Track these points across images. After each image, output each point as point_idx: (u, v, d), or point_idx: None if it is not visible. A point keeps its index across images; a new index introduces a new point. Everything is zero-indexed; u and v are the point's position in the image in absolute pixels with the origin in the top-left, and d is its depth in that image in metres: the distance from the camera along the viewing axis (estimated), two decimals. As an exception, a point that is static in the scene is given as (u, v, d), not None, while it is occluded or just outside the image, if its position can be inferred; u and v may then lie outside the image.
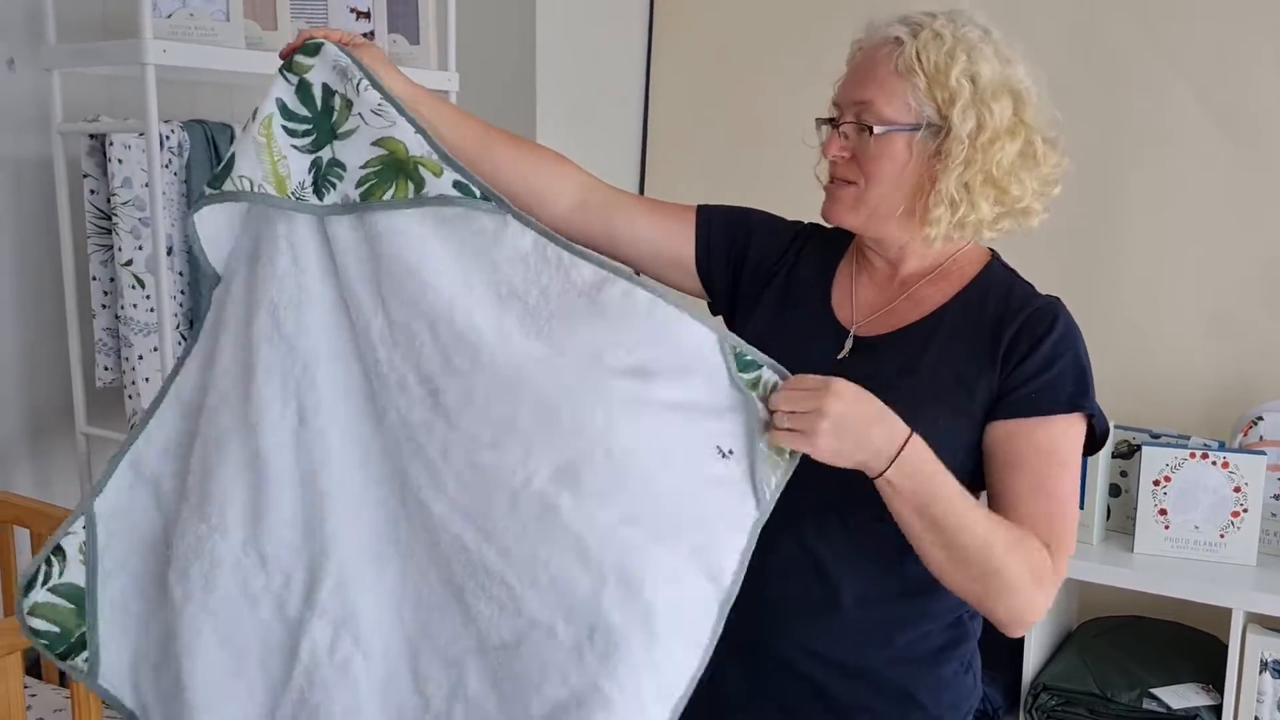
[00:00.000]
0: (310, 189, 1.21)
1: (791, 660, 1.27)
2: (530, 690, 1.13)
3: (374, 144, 1.19)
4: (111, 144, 2.02)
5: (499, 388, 1.15)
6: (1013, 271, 1.35)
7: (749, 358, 1.16)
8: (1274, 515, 2.22)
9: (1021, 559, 1.17)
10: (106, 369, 2.13)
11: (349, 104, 1.20)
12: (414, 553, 1.20)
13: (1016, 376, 1.24)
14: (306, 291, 1.20)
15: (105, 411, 2.22)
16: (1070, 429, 1.24)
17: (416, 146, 1.19)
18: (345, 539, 1.18)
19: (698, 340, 1.16)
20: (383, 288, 1.19)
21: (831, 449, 1.12)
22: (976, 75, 1.21)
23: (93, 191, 2.07)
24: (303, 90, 1.21)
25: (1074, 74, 2.50)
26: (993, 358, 1.25)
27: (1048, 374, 1.23)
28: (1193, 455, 2.18)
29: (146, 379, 2.09)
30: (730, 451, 1.15)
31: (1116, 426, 2.34)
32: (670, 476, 1.15)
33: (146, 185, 2.04)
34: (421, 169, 1.18)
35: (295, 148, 1.21)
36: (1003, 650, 2.07)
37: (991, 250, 1.37)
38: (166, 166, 2.04)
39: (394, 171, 1.19)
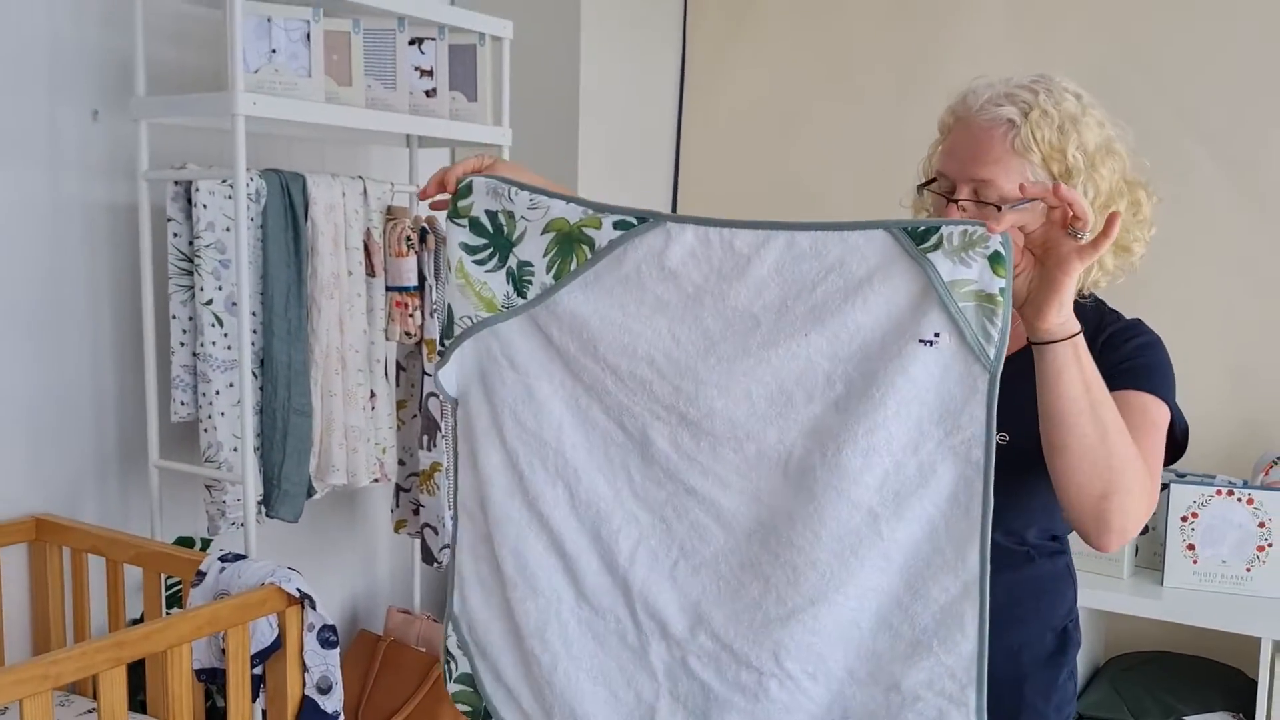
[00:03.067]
0: (515, 295, 1.38)
1: None
2: (840, 646, 1.28)
3: (543, 233, 1.36)
4: (197, 190, 2.14)
5: (724, 392, 1.28)
6: (1101, 300, 1.48)
7: (922, 228, 1.21)
8: (1296, 550, 2.32)
9: (1138, 475, 1.25)
10: (183, 404, 2.22)
11: (510, 214, 1.37)
12: (694, 549, 1.34)
13: (1113, 358, 1.35)
14: (530, 388, 1.38)
15: (179, 445, 2.32)
16: (1159, 407, 1.33)
17: (573, 214, 1.35)
18: (638, 568, 1.36)
19: (866, 247, 1.23)
20: (599, 349, 1.34)
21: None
22: (1084, 145, 1.32)
23: (176, 235, 2.18)
24: (474, 226, 1.39)
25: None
26: (1093, 351, 1.34)
27: (1139, 359, 1.35)
28: (1219, 492, 2.29)
29: (222, 414, 2.19)
30: (936, 335, 1.21)
31: (1143, 466, 2.45)
32: (894, 396, 1.22)
33: (228, 229, 2.15)
34: (586, 229, 1.34)
35: (488, 272, 1.39)
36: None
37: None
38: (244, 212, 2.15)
39: (569, 244, 1.35)
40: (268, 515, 2.27)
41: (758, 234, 1.27)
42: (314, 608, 1.90)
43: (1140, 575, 2.41)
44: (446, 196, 1.40)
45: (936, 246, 1.20)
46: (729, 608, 1.31)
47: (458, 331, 1.40)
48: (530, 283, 1.37)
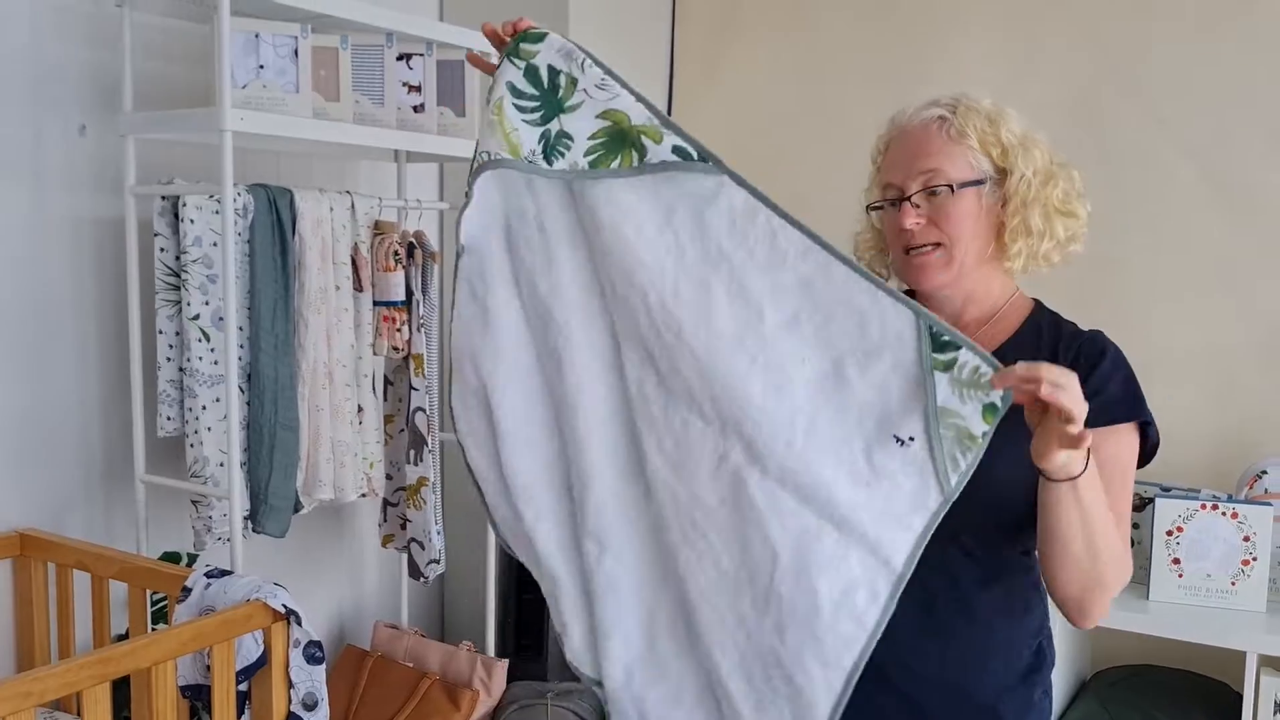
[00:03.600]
0: (540, 157, 1.32)
1: (892, 676, 1.37)
2: (721, 636, 1.30)
3: (599, 116, 1.31)
4: (184, 205, 2.14)
5: (698, 365, 1.27)
6: (1056, 313, 1.49)
7: (946, 338, 1.22)
8: (1280, 564, 2.33)
9: (1123, 555, 1.34)
10: (169, 419, 2.22)
11: (574, 81, 1.31)
12: (651, 490, 1.36)
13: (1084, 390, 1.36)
14: (552, 258, 1.34)
15: (165, 460, 2.31)
16: (1128, 439, 1.38)
17: (639, 115, 1.29)
18: (599, 473, 1.37)
19: (891, 319, 1.24)
20: (602, 258, 1.31)
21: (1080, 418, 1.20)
22: (1013, 130, 1.41)
23: (162, 250, 2.18)
24: (530, 73, 1.32)
25: (1073, 147, 2.63)
26: None
27: (1105, 393, 1.36)
28: (1204, 507, 2.30)
29: (209, 428, 2.18)
30: (910, 439, 1.23)
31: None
32: (846, 471, 1.24)
33: (215, 245, 2.15)
34: (644, 137, 1.29)
35: (525, 122, 1.32)
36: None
37: (1035, 299, 1.51)
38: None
39: (619, 142, 1.29)
40: (254, 530, 2.26)
41: (803, 240, 1.26)
42: (300, 624, 1.90)
43: (1126, 589, 2.41)
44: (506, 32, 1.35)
45: (947, 368, 1.21)
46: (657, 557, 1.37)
47: (477, 166, 1.34)
48: (561, 155, 1.31)
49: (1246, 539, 2.27)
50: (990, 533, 1.38)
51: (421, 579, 2.63)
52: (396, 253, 2.48)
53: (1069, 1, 2.75)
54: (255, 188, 2.22)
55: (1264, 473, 2.36)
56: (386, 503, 2.72)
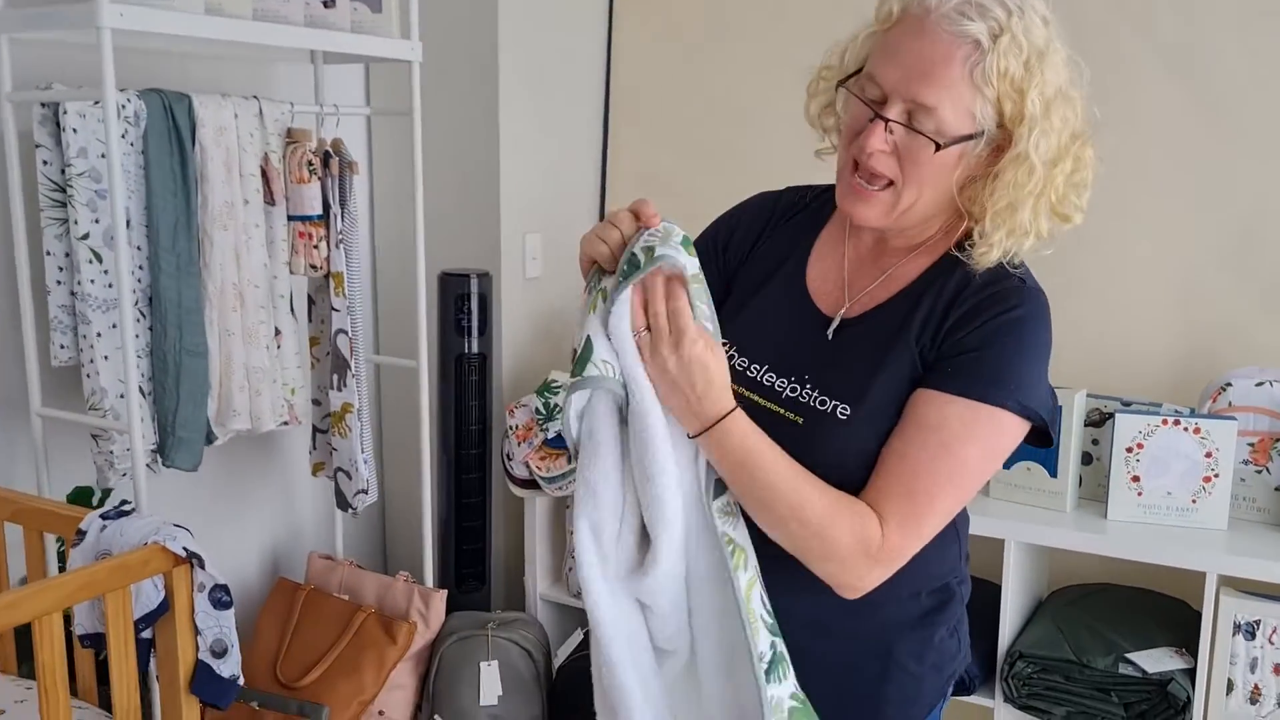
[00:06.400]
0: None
1: (784, 624, 1.25)
2: None
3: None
4: (65, 113, 1.95)
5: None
6: None
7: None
8: (1243, 480, 2.24)
9: (846, 528, 1.17)
10: (63, 347, 2.06)
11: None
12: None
13: (946, 348, 1.21)
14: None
15: (62, 391, 2.15)
16: (973, 418, 1.18)
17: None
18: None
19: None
20: None
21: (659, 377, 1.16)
22: (1044, 89, 1.16)
23: (46, 163, 1.99)
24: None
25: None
26: (938, 331, 1.22)
27: (974, 354, 1.19)
28: (1165, 422, 2.20)
29: (105, 356, 2.02)
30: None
31: (1088, 395, 2.35)
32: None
33: (103, 156, 1.97)
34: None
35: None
36: (976, 619, 2.07)
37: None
38: (123, 137, 1.97)
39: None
40: (164, 465, 2.12)
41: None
42: (203, 567, 1.76)
43: (1084, 509, 2.33)
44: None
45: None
46: None
47: (590, 372, 1.21)
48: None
49: (1209, 455, 2.17)
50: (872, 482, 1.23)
51: (350, 510, 2.51)
52: (310, 163, 2.30)
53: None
54: (148, 93, 2.03)
55: (1228, 385, 2.26)
56: (316, 429, 2.58)
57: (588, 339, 1.18)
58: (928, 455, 1.18)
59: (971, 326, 1.20)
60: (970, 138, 1.17)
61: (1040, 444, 1.27)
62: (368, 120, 2.93)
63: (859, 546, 1.16)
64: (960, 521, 1.37)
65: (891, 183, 1.21)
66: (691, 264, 1.16)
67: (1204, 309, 2.47)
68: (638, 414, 1.18)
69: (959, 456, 1.18)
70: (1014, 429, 1.22)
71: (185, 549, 1.75)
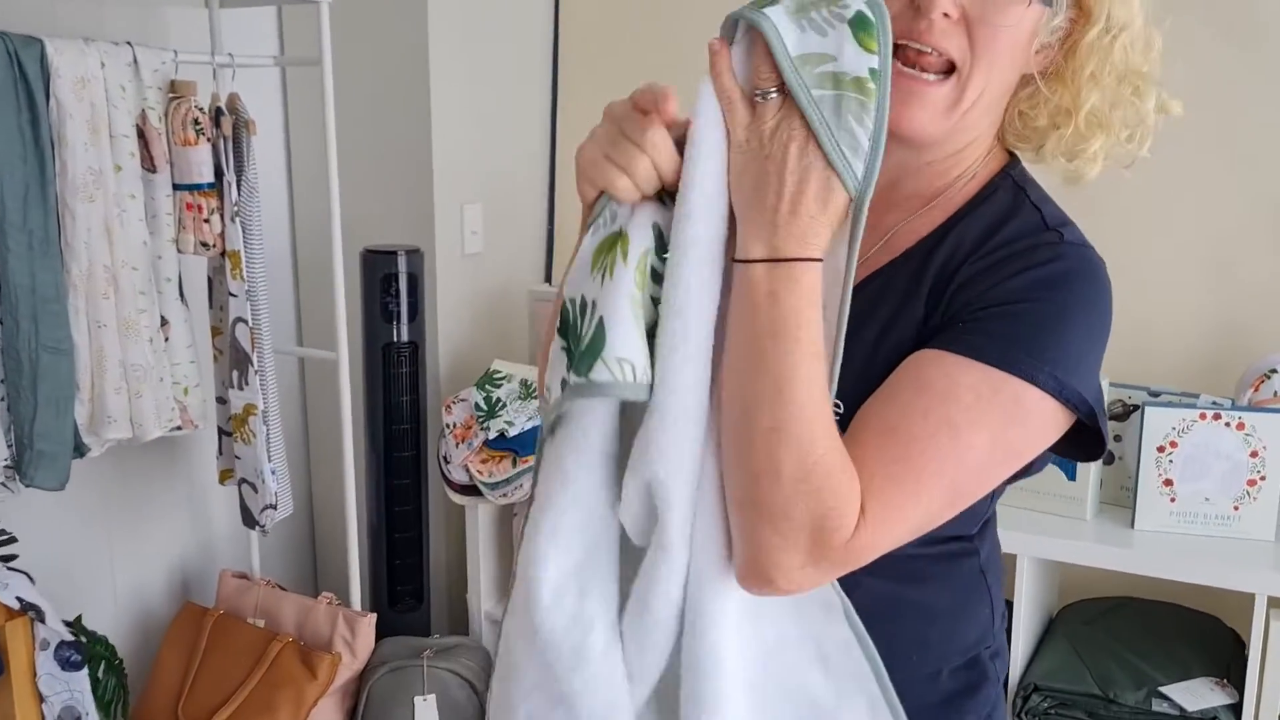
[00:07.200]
0: None
1: None
2: None
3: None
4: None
5: None
6: (1027, 186, 0.98)
7: None
8: (1291, 482, 1.94)
9: (821, 497, 0.80)
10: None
11: None
12: None
13: (963, 303, 0.90)
14: None
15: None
16: (990, 392, 0.85)
17: None
18: None
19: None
20: None
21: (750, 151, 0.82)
22: None
23: None
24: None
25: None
26: (950, 284, 0.92)
27: (999, 309, 0.88)
28: (1203, 416, 1.89)
29: (-63, 357, 1.67)
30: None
31: (1111, 385, 2.04)
32: None
33: (-76, 111, 1.61)
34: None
35: None
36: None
37: (1010, 152, 1.02)
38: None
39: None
40: (23, 483, 1.78)
41: None
42: (43, 621, 1.42)
43: (1106, 516, 2.02)
44: None
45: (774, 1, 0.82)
46: None
47: (601, 377, 0.86)
48: None
49: (1254, 454, 1.87)
50: None
51: (258, 528, 2.17)
52: (198, 122, 1.95)
53: None
54: (-14, 35, 1.68)
55: (1273, 371, 1.95)
56: (222, 432, 2.24)
57: (599, 321, 0.81)
58: (925, 431, 0.84)
59: (998, 278, 0.89)
60: (1048, 3, 0.90)
61: (1082, 453, 0.94)
62: (282, 74, 2.57)
63: (815, 525, 0.80)
64: (990, 568, 1.05)
65: (952, 70, 0.90)
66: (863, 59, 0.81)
67: (1239, 283, 2.16)
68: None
69: (966, 440, 0.84)
70: (1046, 415, 0.88)
71: (19, 599, 1.40)
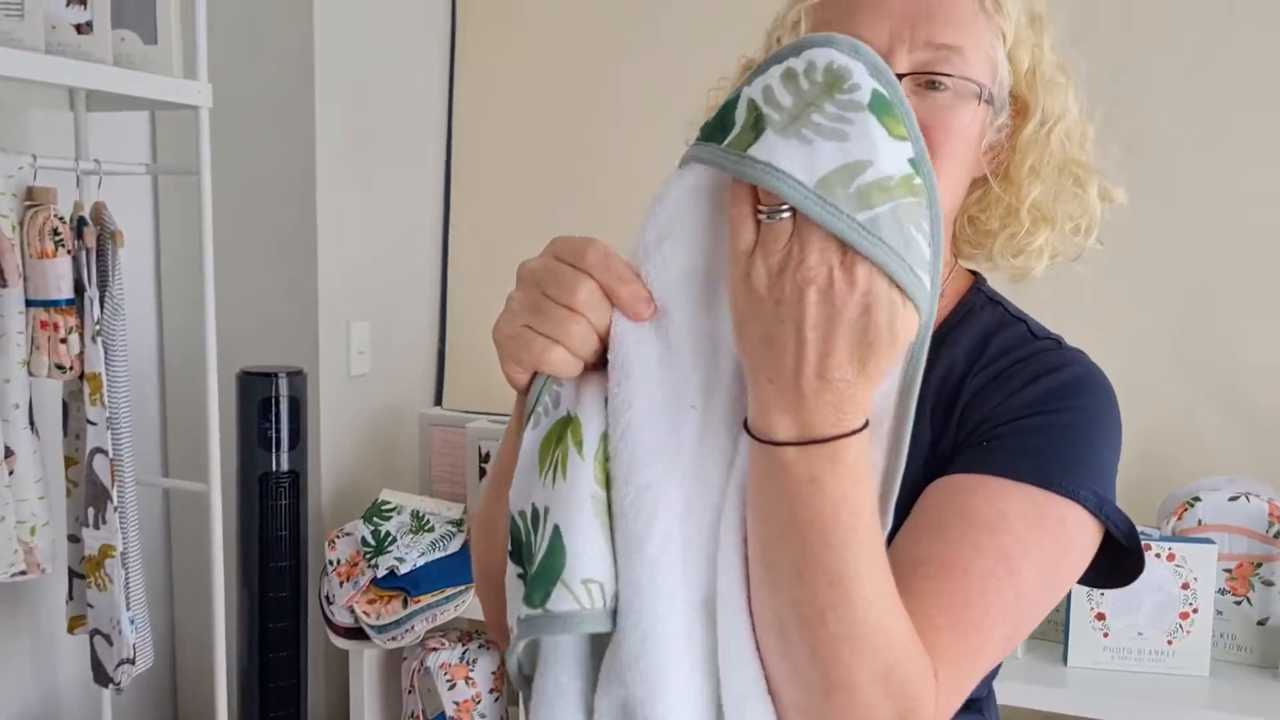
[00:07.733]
0: None
1: None
2: None
3: None
4: None
5: None
6: (1004, 307, 0.96)
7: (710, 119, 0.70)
8: (1220, 614, 1.88)
9: (900, 681, 0.68)
10: None
11: None
12: None
13: (978, 421, 0.84)
14: None
15: None
16: (1039, 516, 0.78)
17: None
18: None
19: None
20: None
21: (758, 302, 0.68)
22: (1049, 57, 0.91)
23: None
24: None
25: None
26: (957, 397, 0.87)
27: (1024, 422, 0.82)
28: (1132, 547, 1.82)
29: None
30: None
31: (1035, 513, 1.97)
32: None
33: None
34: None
35: None
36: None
37: (972, 272, 1.00)
38: None
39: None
40: None
41: None
42: None
43: (1036, 653, 1.92)
44: None
45: (756, 126, 0.64)
46: None
47: None
48: None
49: (1185, 586, 1.81)
50: None
51: (112, 685, 1.92)
52: (57, 232, 1.76)
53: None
54: None
55: (1195, 500, 1.91)
56: (73, 574, 2.00)
57: (554, 534, 0.66)
58: (982, 569, 0.75)
59: (1010, 389, 0.85)
60: (988, 101, 0.86)
61: (1115, 579, 0.85)
62: (154, 183, 2.40)
63: (894, 708, 0.68)
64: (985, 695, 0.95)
65: None
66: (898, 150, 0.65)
67: (1152, 409, 2.13)
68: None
69: (1023, 575, 0.76)
70: (1087, 535, 0.81)
71: None
